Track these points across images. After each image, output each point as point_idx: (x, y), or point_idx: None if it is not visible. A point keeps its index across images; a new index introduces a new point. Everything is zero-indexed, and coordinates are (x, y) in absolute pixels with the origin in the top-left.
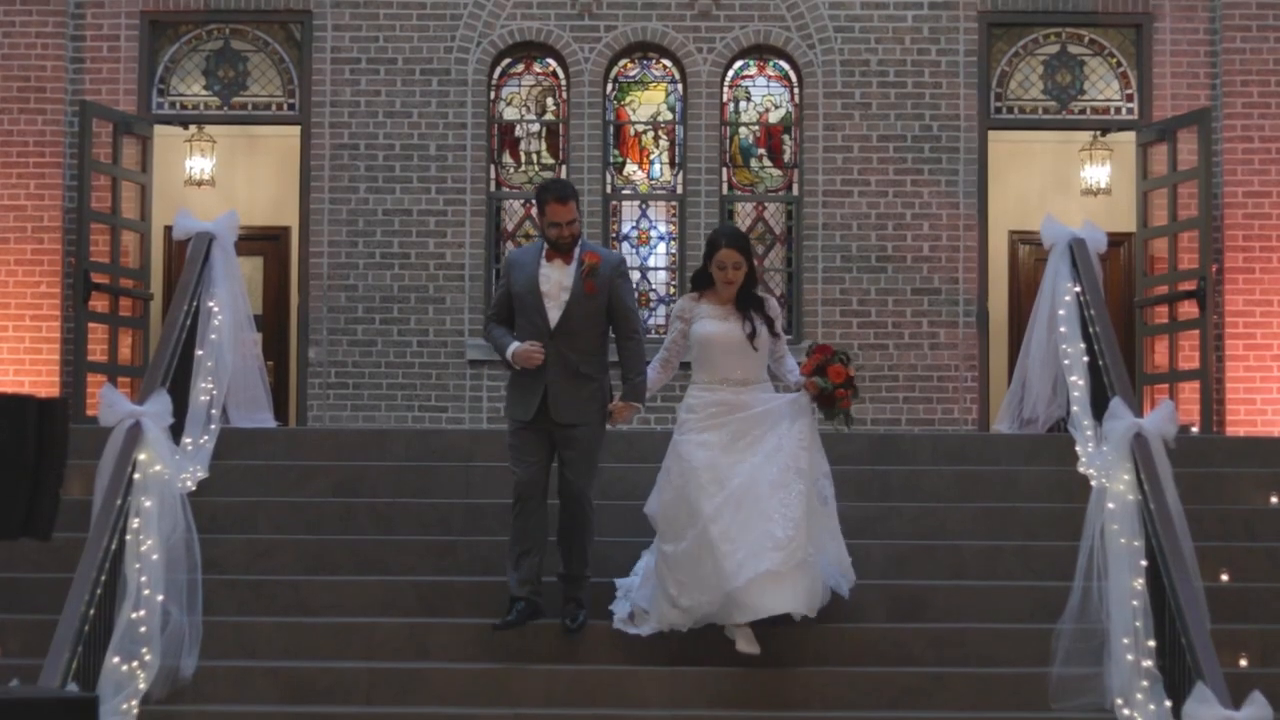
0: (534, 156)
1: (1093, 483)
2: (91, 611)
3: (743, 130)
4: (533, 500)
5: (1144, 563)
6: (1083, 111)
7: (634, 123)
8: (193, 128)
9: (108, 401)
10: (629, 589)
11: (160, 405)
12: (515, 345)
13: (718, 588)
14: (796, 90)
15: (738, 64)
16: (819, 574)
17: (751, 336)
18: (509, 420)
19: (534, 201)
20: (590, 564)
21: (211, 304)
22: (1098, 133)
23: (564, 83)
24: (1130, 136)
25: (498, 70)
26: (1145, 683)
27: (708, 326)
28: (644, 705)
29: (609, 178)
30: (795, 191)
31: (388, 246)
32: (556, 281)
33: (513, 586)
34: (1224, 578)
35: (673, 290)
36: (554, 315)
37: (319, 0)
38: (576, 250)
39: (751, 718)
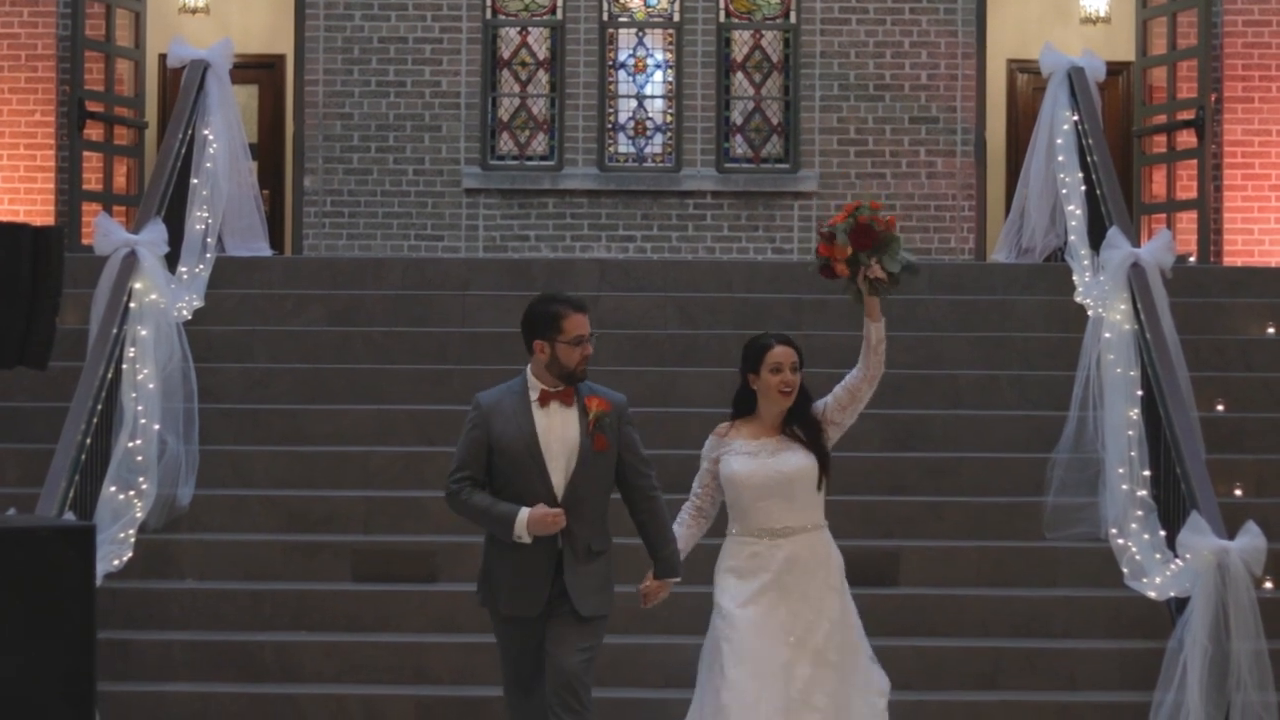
0: None
1: (1089, 312)
2: (88, 440)
3: None
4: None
5: (1140, 392)
6: None
7: None
8: None
9: (103, 230)
10: None
11: (155, 234)
12: (526, 511)
13: None
14: None
15: None
16: None
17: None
18: (495, 617)
19: (529, 326)
20: None
21: (207, 132)
22: None
23: None
24: None
25: None
26: (1140, 512)
27: (734, 464)
28: None
29: (605, 5)
30: (793, 19)
31: (383, 74)
32: (559, 435)
33: None
34: (1220, 408)
35: (669, 118)
36: (559, 480)
37: None
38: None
39: None
